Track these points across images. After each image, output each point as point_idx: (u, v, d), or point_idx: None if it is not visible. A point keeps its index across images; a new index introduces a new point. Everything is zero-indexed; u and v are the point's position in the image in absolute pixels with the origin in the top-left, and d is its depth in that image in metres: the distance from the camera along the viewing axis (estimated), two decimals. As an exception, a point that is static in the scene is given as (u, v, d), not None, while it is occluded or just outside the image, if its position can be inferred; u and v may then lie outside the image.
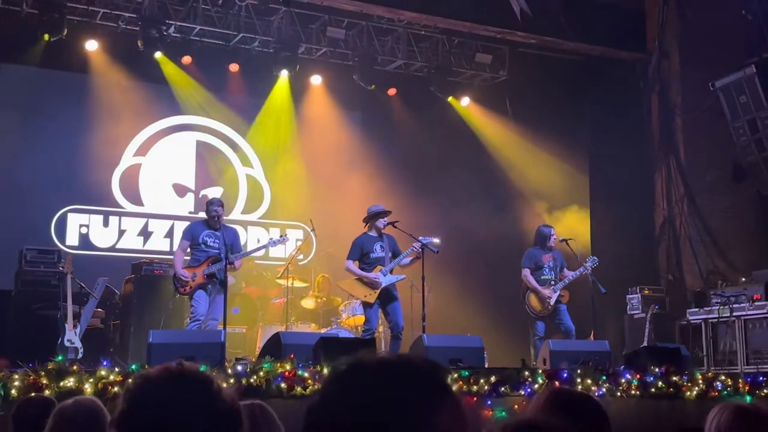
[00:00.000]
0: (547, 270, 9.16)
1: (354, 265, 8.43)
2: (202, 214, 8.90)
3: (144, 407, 1.57)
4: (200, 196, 11.77)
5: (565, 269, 9.26)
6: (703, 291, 11.03)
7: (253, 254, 9.76)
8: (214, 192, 11.57)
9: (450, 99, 12.87)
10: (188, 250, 8.51)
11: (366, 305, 8.42)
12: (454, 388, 5.97)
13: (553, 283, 9.09)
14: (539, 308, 9.05)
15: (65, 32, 10.26)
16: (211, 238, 8.40)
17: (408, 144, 12.70)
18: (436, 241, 8.42)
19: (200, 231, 8.45)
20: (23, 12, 10.43)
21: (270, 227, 12.35)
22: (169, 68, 11.44)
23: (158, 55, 11.01)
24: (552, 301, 8.99)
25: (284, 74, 11.83)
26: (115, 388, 5.02)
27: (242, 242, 9.91)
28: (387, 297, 8.38)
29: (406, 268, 8.69)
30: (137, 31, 10.70)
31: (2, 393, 4.84)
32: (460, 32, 12.34)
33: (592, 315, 8.92)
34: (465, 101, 13.00)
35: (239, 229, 11.75)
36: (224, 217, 8.64)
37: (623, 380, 6.59)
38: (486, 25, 11.95)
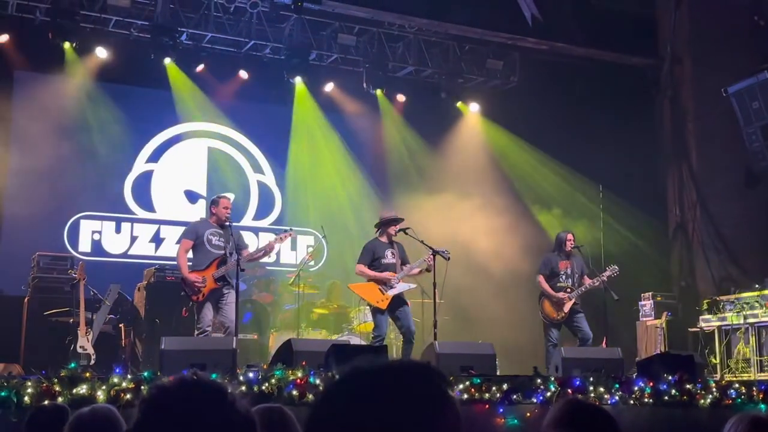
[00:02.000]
0: (563, 277, 9.12)
1: (366, 268, 8.40)
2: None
3: (159, 418, 1.58)
4: (212, 202, 11.79)
5: (585, 277, 9.21)
6: (716, 298, 10.97)
7: (264, 259, 9.64)
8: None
9: (459, 104, 12.85)
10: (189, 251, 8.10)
11: (376, 311, 8.35)
12: (466, 396, 5.96)
13: (569, 290, 9.05)
14: (553, 314, 9.02)
15: (78, 40, 10.34)
16: (216, 237, 8.02)
17: (418, 150, 12.70)
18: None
19: (204, 229, 8.08)
20: (37, 20, 10.51)
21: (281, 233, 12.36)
22: (180, 75, 11.49)
23: (170, 62, 11.06)
24: (567, 308, 8.96)
25: (299, 81, 11.87)
26: (128, 396, 5.03)
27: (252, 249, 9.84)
28: (397, 302, 8.35)
29: (415, 277, 8.66)
30: (149, 39, 10.76)
31: (15, 400, 4.85)
32: (471, 38, 12.35)
33: (604, 322, 8.88)
34: (475, 107, 12.99)
35: (250, 235, 11.81)
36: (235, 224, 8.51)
37: (636, 388, 6.55)
38: (497, 31, 11.96)
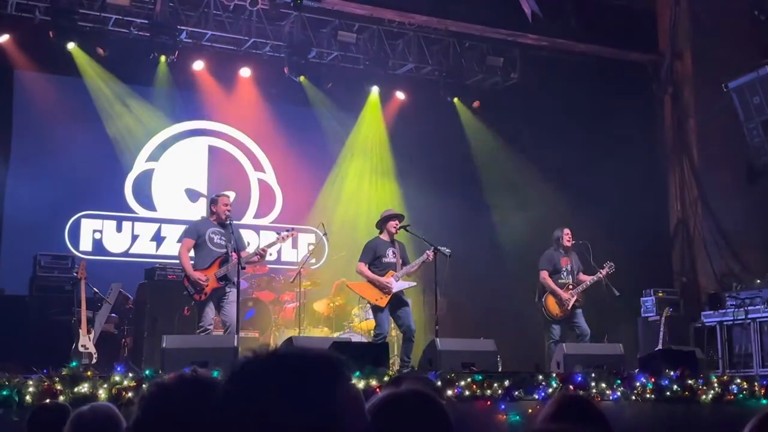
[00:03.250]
0: (564, 273, 9.14)
1: (366, 268, 8.40)
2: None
3: (159, 414, 1.58)
4: (212, 201, 11.77)
5: (581, 273, 9.23)
6: (718, 293, 10.96)
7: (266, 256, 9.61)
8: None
9: (459, 101, 12.82)
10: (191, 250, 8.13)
11: (376, 309, 8.38)
12: (467, 392, 5.96)
13: (571, 287, 9.06)
14: (556, 311, 9.02)
15: (77, 39, 10.35)
16: (218, 236, 8.03)
17: (419, 147, 12.69)
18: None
19: (205, 227, 8.09)
20: (36, 19, 10.50)
21: (283, 232, 12.34)
22: (180, 74, 11.48)
23: (169, 60, 11.04)
24: (570, 305, 8.97)
25: (303, 79, 11.88)
26: (129, 394, 5.03)
27: (254, 247, 9.84)
28: (397, 301, 8.37)
29: (415, 273, 8.67)
30: (149, 37, 10.75)
31: (17, 399, 4.86)
32: (470, 35, 12.33)
33: (605, 318, 8.88)
34: (476, 104, 12.98)
35: (251, 233, 11.81)
36: (235, 222, 8.52)
37: (638, 384, 6.55)
38: (497, 27, 11.93)
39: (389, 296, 8.26)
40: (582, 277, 9.20)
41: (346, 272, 10.72)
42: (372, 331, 9.60)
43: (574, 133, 12.35)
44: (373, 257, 8.43)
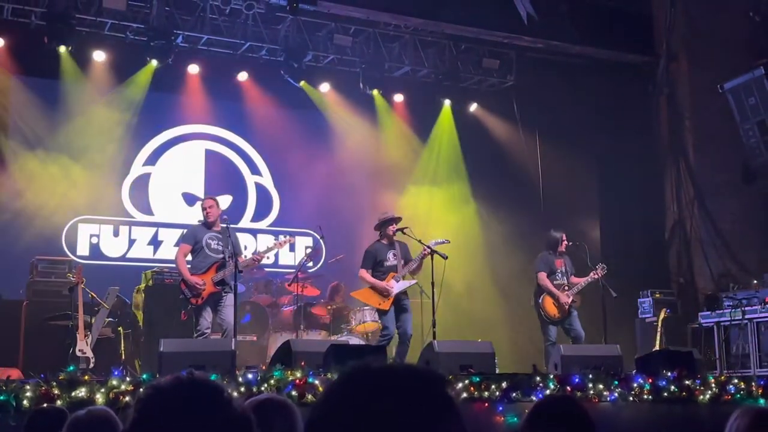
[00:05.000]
0: (560, 275, 9.17)
1: (367, 274, 8.46)
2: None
3: (155, 417, 1.57)
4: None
5: (573, 276, 9.26)
6: (715, 294, 10.96)
7: (262, 261, 9.62)
8: (223, 200, 11.56)
9: (455, 104, 12.81)
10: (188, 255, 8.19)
11: (381, 312, 8.49)
12: (465, 394, 5.96)
13: (566, 288, 9.08)
14: (554, 312, 9.03)
15: (74, 44, 10.35)
16: (215, 241, 8.07)
17: (415, 150, 12.70)
18: (445, 241, 8.46)
19: (202, 233, 8.13)
20: (32, 24, 10.51)
21: (279, 235, 12.33)
22: (176, 78, 11.48)
23: (166, 64, 11.04)
24: (567, 306, 8.99)
25: (303, 82, 11.91)
26: (127, 398, 5.02)
27: (251, 251, 9.85)
28: (398, 305, 8.44)
29: (416, 271, 8.70)
30: (145, 42, 10.75)
31: (14, 404, 4.85)
32: (466, 38, 12.35)
33: (603, 319, 8.89)
34: (472, 106, 13.00)
35: (248, 236, 11.82)
36: (233, 226, 8.52)
37: (635, 385, 6.55)
38: (493, 30, 11.95)
39: (391, 299, 8.35)
40: (574, 279, 9.23)
41: (343, 275, 10.74)
42: (370, 334, 9.66)
43: (570, 134, 12.37)
44: (374, 263, 8.50)
